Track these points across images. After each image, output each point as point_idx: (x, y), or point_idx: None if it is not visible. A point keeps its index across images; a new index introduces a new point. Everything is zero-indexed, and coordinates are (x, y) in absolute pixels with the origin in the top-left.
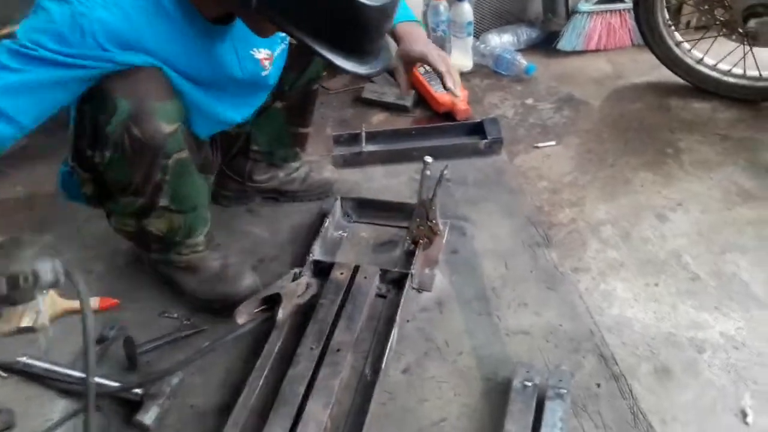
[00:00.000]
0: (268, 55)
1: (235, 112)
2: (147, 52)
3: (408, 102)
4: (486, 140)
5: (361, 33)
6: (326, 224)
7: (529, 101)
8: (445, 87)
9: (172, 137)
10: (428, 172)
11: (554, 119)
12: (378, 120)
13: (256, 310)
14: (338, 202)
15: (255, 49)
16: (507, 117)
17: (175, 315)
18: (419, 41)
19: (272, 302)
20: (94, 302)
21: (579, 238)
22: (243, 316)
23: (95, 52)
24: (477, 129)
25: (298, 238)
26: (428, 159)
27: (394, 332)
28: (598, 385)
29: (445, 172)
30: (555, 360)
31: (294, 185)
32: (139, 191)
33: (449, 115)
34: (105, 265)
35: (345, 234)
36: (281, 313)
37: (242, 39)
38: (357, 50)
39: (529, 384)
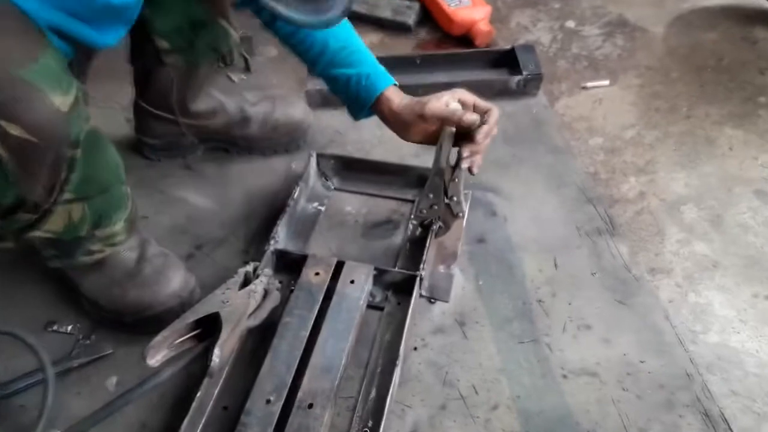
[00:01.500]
0: None
1: None
2: None
3: (410, 18)
4: (520, 76)
5: None
6: (296, 193)
7: (570, 24)
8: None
9: (75, 111)
10: (453, 129)
11: (604, 50)
12: (370, 42)
13: (181, 340)
14: (313, 160)
15: None
16: (542, 45)
17: (68, 329)
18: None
19: (209, 326)
20: None
21: (653, 222)
22: (156, 355)
23: None
24: (505, 60)
25: (255, 212)
26: (456, 101)
27: (397, 371)
28: None
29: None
30: (639, 421)
31: (250, 128)
32: (36, 207)
33: (465, 39)
34: None
35: (323, 208)
36: (217, 355)
37: None
38: None
39: None
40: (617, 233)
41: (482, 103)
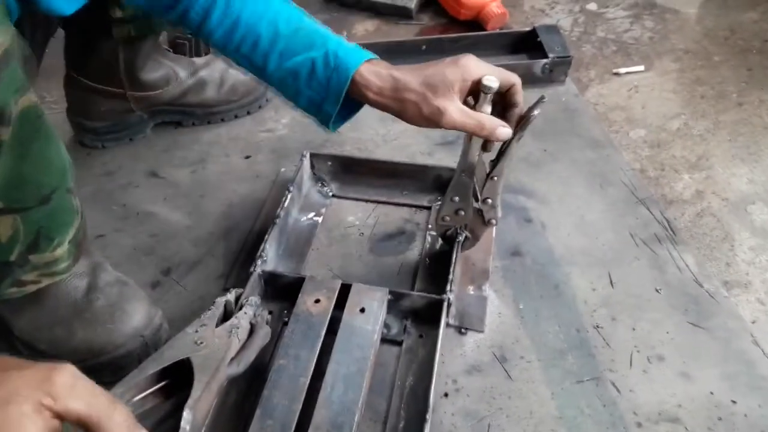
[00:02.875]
0: None
1: None
2: None
3: (411, 2)
4: (546, 60)
5: None
6: (286, 202)
7: (592, 6)
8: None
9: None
10: (488, 107)
11: (633, 33)
12: (365, 30)
13: (141, 397)
14: (306, 162)
15: None
16: (563, 29)
17: None
18: (430, 69)
19: (179, 377)
20: None
21: (717, 226)
22: None
23: None
24: (524, 43)
25: (237, 226)
26: (491, 81)
27: (427, 427)
28: None
29: (537, 109)
30: None
31: (206, 92)
32: None
33: (474, 24)
34: None
35: (319, 219)
36: (187, 421)
37: None
38: None
39: None
40: (680, 240)
41: (505, 75)
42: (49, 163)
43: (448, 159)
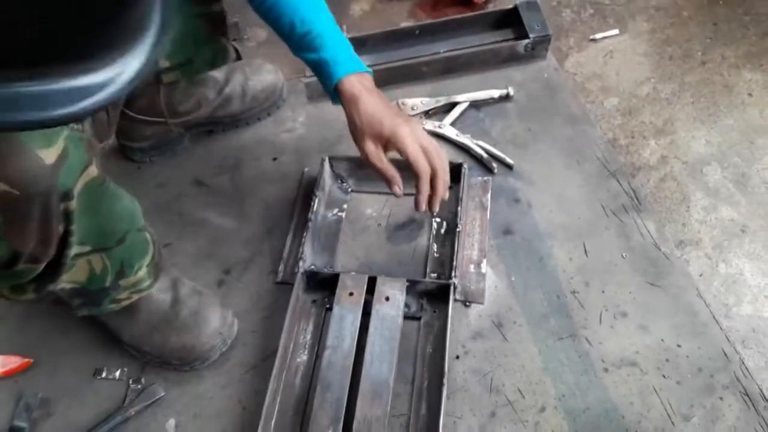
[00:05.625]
0: None
1: None
2: None
3: None
4: (527, 40)
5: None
6: (315, 205)
7: None
8: (417, 205)
9: (62, 162)
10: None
11: None
12: (361, 10)
13: None
14: (326, 164)
15: None
16: None
17: (116, 374)
18: (382, 112)
19: None
20: None
21: (677, 189)
22: None
23: None
24: (507, 20)
25: (276, 226)
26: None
27: (445, 386)
28: None
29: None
30: (682, 408)
31: (232, 106)
32: (35, 260)
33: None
34: (4, 306)
35: (343, 214)
36: None
37: None
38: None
39: None
40: (643, 208)
41: (421, 160)
42: (118, 215)
43: (452, 155)
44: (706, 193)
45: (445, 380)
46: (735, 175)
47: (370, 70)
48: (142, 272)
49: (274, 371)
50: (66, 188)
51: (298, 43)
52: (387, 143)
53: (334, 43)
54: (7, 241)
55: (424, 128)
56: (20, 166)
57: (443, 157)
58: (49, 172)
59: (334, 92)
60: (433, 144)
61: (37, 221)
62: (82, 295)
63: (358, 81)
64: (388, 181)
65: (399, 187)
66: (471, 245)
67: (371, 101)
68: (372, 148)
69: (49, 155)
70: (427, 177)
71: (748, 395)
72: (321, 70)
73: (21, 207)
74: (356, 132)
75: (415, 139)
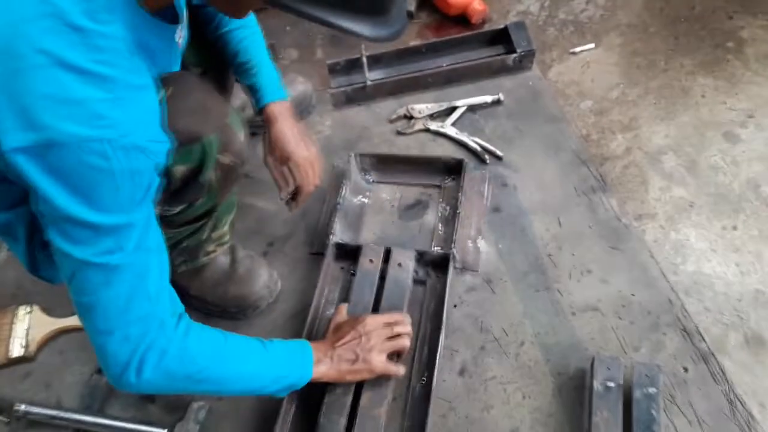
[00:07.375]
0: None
1: None
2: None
3: (411, 6)
4: (515, 54)
5: None
6: (343, 191)
7: None
8: (283, 198)
9: (246, 140)
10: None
11: (588, 12)
12: None
13: None
14: (353, 160)
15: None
16: (532, 14)
17: None
18: (288, 135)
19: None
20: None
21: (638, 174)
22: None
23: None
24: (500, 37)
25: (311, 209)
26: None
27: (442, 335)
28: (686, 370)
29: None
30: (633, 341)
31: None
32: (208, 213)
33: (463, 18)
34: None
35: (366, 200)
36: None
37: None
38: (371, 6)
39: (612, 385)
40: (608, 189)
41: (301, 181)
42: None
43: (452, 151)
44: (662, 176)
45: (443, 324)
46: (687, 162)
47: (287, 97)
48: (227, 227)
49: (308, 319)
50: (247, 157)
51: (237, 68)
52: (287, 160)
53: (266, 73)
54: (215, 199)
55: (427, 128)
56: (238, 144)
57: (317, 177)
58: (244, 146)
59: (259, 112)
60: (316, 167)
61: (233, 181)
62: (183, 253)
63: (278, 107)
64: (278, 187)
65: (285, 193)
66: (469, 225)
67: (283, 126)
68: (271, 161)
69: (245, 136)
70: (308, 191)
71: (686, 331)
72: (253, 93)
73: (235, 172)
74: (266, 146)
75: (304, 161)
